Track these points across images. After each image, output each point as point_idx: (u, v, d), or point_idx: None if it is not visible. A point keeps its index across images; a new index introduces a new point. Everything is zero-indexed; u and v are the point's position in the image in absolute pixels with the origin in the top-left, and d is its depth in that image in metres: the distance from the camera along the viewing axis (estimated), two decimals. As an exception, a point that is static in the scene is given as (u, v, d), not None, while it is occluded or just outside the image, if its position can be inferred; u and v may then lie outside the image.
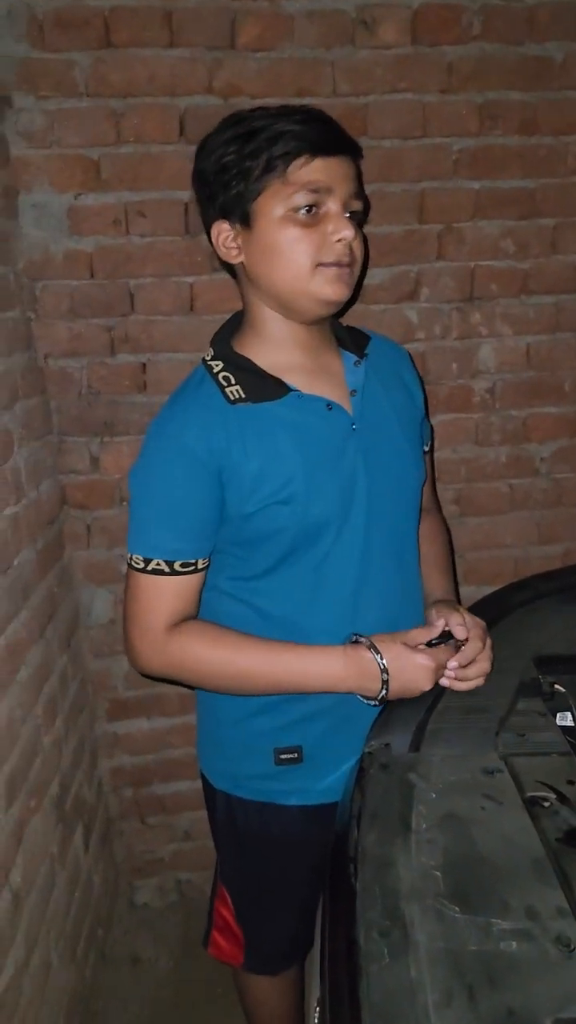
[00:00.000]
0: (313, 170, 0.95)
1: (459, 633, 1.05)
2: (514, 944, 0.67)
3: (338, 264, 0.98)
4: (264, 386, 1.02)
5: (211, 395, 1.02)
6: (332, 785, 1.08)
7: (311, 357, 1.07)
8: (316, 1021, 0.97)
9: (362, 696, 1.03)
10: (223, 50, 1.44)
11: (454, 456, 1.75)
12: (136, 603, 1.03)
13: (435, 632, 1.03)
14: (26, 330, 1.50)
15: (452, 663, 1.03)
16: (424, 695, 1.01)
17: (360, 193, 1.01)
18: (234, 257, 1.02)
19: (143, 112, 1.45)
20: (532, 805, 0.84)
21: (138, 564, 1.01)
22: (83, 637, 1.73)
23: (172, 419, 1.01)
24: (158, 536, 1.00)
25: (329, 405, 1.04)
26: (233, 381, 1.02)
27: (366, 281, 1.59)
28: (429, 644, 1.03)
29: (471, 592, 1.77)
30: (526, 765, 0.90)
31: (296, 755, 1.10)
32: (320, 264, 0.97)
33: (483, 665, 1.05)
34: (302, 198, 0.95)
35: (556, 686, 1.07)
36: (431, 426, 1.30)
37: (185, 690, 1.33)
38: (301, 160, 0.94)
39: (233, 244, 1.02)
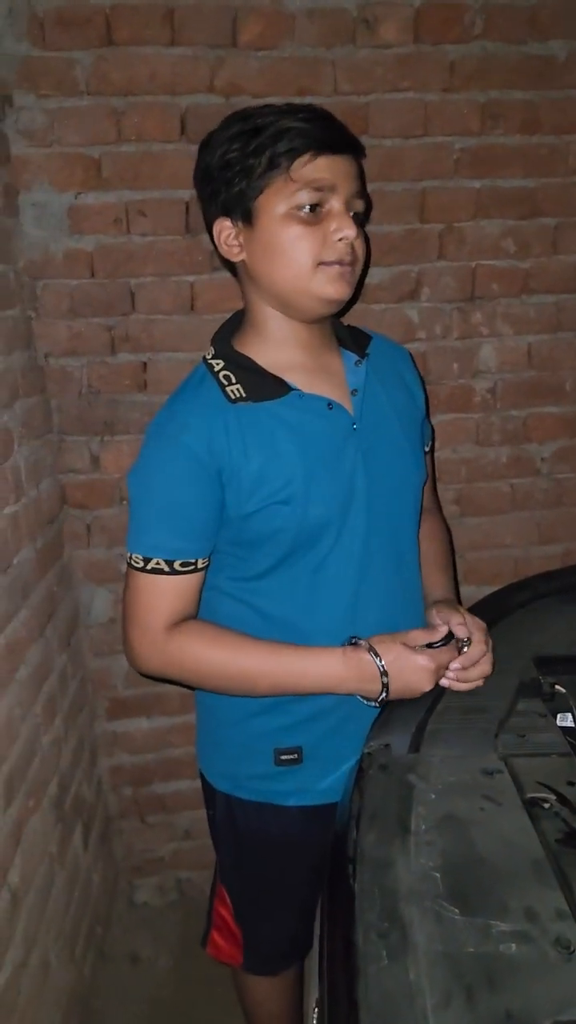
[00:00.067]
0: (317, 168, 0.94)
1: (460, 632, 1.04)
2: (513, 946, 0.67)
3: (340, 263, 0.97)
4: (265, 385, 1.02)
5: (212, 394, 1.02)
6: (332, 785, 1.08)
7: (312, 356, 1.07)
8: (315, 1022, 0.96)
9: (362, 697, 1.03)
10: (224, 49, 1.44)
11: (455, 456, 1.75)
12: (135, 602, 1.02)
13: (437, 636, 1.03)
14: (26, 329, 1.49)
15: (455, 664, 1.03)
16: (424, 696, 1.01)
17: (363, 192, 1.01)
18: (235, 255, 1.02)
19: (144, 111, 1.45)
20: (532, 806, 0.84)
21: (137, 563, 1.01)
22: (83, 636, 1.73)
23: (172, 418, 1.01)
24: (158, 535, 1.00)
25: (330, 404, 1.04)
26: (234, 380, 1.02)
27: (367, 280, 1.58)
28: (431, 646, 1.02)
29: (471, 592, 1.77)
30: (526, 766, 0.90)
31: (296, 756, 1.10)
32: (322, 263, 0.97)
33: (484, 667, 1.05)
34: (305, 196, 0.95)
35: (556, 687, 1.06)
36: (432, 426, 1.30)
37: (185, 689, 1.33)
38: (305, 158, 0.94)
39: (235, 242, 1.01)
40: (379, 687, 0.99)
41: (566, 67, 1.54)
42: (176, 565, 1.00)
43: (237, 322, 1.10)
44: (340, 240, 0.97)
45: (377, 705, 1.02)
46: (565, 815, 0.83)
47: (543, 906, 0.71)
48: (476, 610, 1.20)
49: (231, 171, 0.97)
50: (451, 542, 1.35)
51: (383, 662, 0.99)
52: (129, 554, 1.02)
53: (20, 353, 1.43)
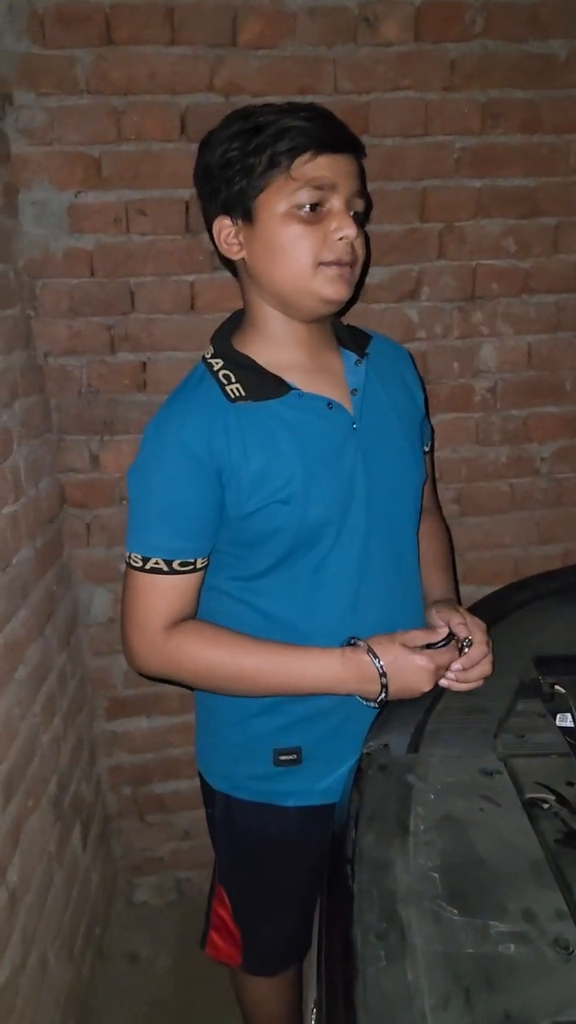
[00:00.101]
0: (317, 167, 0.94)
1: (461, 632, 1.04)
2: (512, 947, 0.67)
3: (339, 263, 0.97)
4: (264, 384, 1.02)
5: (211, 393, 1.01)
6: (331, 786, 1.08)
7: (311, 356, 1.07)
8: (313, 1023, 0.96)
9: (361, 698, 1.02)
10: (224, 48, 1.44)
11: (454, 455, 1.75)
12: (134, 602, 1.02)
13: (436, 637, 1.03)
14: (26, 328, 1.49)
15: (456, 665, 1.03)
16: (423, 696, 1.01)
17: (363, 192, 1.01)
18: (235, 253, 1.02)
19: (144, 110, 1.45)
20: (531, 807, 0.84)
21: (136, 563, 1.01)
22: (82, 635, 1.72)
23: (171, 417, 1.01)
24: (157, 535, 1.00)
25: (329, 404, 1.03)
26: (233, 379, 1.02)
27: (367, 280, 1.58)
28: (431, 647, 1.02)
29: (471, 592, 1.77)
30: (525, 766, 0.90)
31: (295, 756, 1.10)
32: (321, 263, 0.97)
33: (484, 668, 1.05)
34: (306, 195, 0.94)
35: (556, 687, 1.06)
36: (431, 426, 1.30)
37: (184, 689, 1.33)
38: (306, 156, 0.94)
39: (235, 240, 1.01)
40: (378, 688, 0.99)
41: (567, 66, 1.54)
42: (175, 565, 1.00)
43: (236, 321, 1.10)
44: (340, 239, 0.96)
45: (376, 706, 1.02)
46: (564, 815, 0.83)
47: (542, 907, 0.71)
48: (475, 610, 1.20)
49: (231, 170, 0.97)
50: (451, 542, 1.35)
51: (382, 663, 0.98)
52: (128, 553, 1.02)
53: (19, 352, 1.43)
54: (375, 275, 1.59)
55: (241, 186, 0.97)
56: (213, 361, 1.04)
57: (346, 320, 1.19)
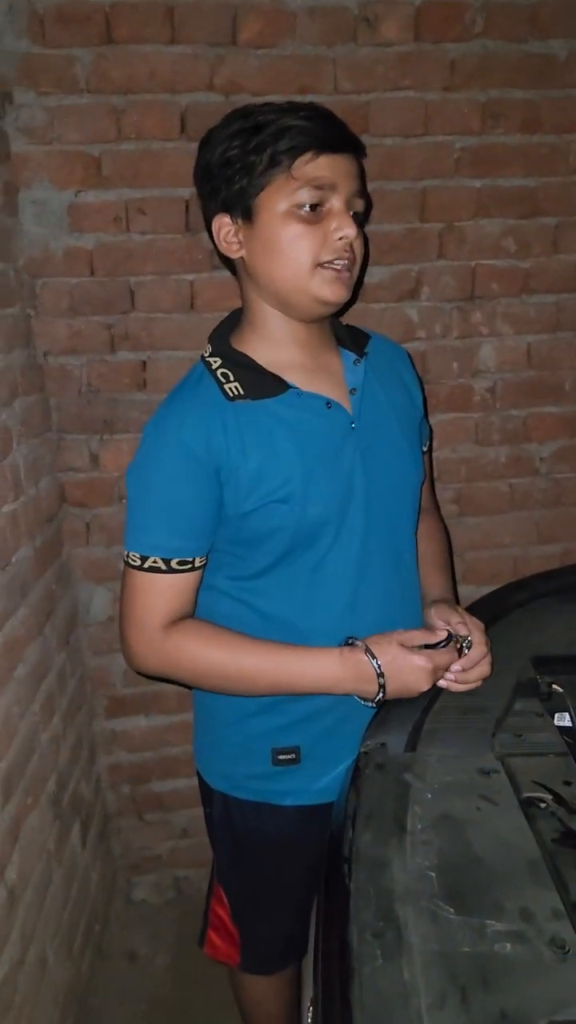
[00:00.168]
0: (318, 167, 0.94)
1: (461, 631, 1.04)
2: (508, 946, 0.67)
3: (339, 262, 0.97)
4: (263, 383, 1.02)
5: (210, 392, 1.01)
6: (329, 785, 1.08)
7: (310, 355, 1.07)
8: (310, 1022, 0.96)
9: (359, 698, 1.03)
10: (224, 47, 1.44)
11: (454, 455, 1.75)
12: (132, 601, 1.02)
13: (435, 638, 1.03)
14: (26, 327, 1.49)
15: (455, 666, 1.03)
16: (421, 695, 1.01)
17: (363, 192, 1.01)
18: (235, 252, 1.02)
19: (144, 109, 1.45)
20: (528, 806, 0.84)
21: (135, 561, 1.01)
22: (82, 634, 1.73)
23: (170, 416, 1.01)
24: (155, 534, 1.00)
25: (328, 403, 1.03)
26: (232, 378, 1.02)
27: (367, 280, 1.58)
28: (430, 648, 1.02)
29: (470, 592, 1.77)
30: (523, 766, 0.90)
31: (294, 756, 1.10)
32: (320, 263, 0.97)
33: (484, 669, 1.05)
34: (306, 194, 0.95)
35: (554, 686, 1.06)
36: (430, 426, 1.30)
37: (183, 688, 1.33)
38: (307, 156, 0.94)
39: (234, 239, 1.01)
40: (376, 688, 0.99)
41: (567, 66, 1.54)
42: (173, 564, 1.00)
43: (235, 320, 1.10)
44: (340, 239, 0.97)
45: (374, 705, 1.02)
46: (561, 815, 0.83)
47: (539, 906, 0.71)
48: (474, 609, 1.20)
49: (231, 168, 0.97)
50: (449, 542, 1.35)
51: (379, 663, 0.98)
52: (126, 552, 1.02)
53: (19, 351, 1.43)
54: (375, 275, 1.59)
55: (241, 185, 0.97)
56: (211, 360, 1.04)
57: (346, 320, 1.19)
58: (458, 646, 1.04)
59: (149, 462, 1.01)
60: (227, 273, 1.11)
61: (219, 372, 1.03)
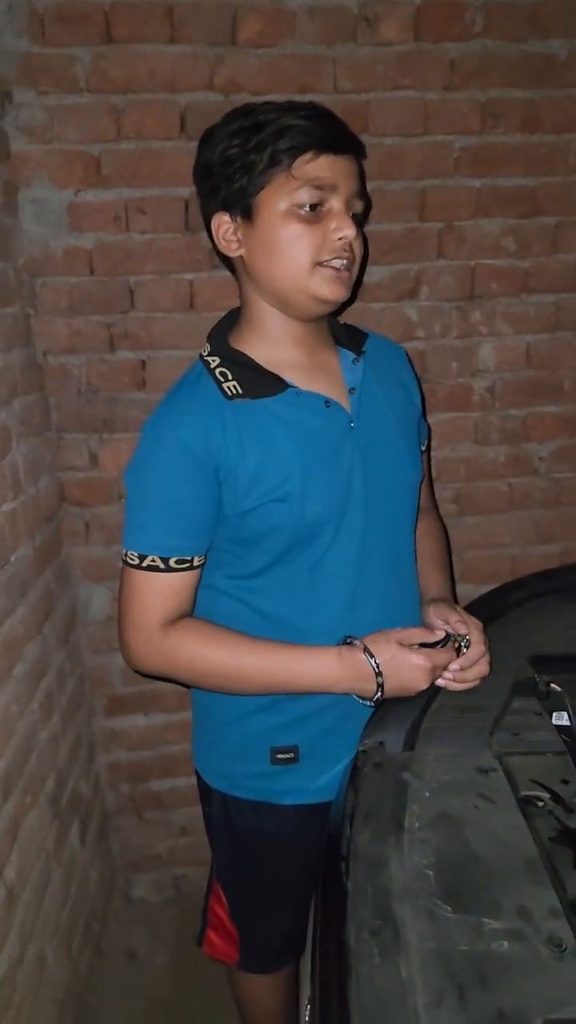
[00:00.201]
0: (319, 167, 0.94)
1: (460, 629, 1.04)
2: (505, 944, 0.67)
3: (337, 261, 0.97)
4: (262, 382, 1.02)
5: (208, 391, 1.01)
6: (327, 784, 1.08)
7: (308, 354, 1.07)
8: (307, 1020, 0.97)
9: (358, 696, 1.03)
10: (224, 46, 1.44)
11: (453, 455, 1.75)
12: (131, 600, 1.02)
13: (434, 638, 1.03)
14: (25, 326, 1.49)
15: (454, 666, 1.03)
16: (419, 694, 1.01)
17: (363, 193, 1.01)
18: (234, 250, 1.02)
19: (144, 108, 1.45)
20: (526, 804, 0.84)
21: (133, 560, 1.01)
22: (81, 633, 1.73)
23: (169, 415, 1.01)
24: (154, 533, 1.00)
25: (327, 402, 1.04)
26: (230, 377, 1.02)
27: (366, 279, 1.58)
28: (428, 647, 1.02)
29: (469, 591, 1.77)
30: (520, 764, 0.90)
31: (293, 755, 1.10)
32: (319, 263, 0.97)
33: (482, 668, 1.05)
34: (306, 194, 0.95)
35: (552, 685, 1.06)
36: (428, 425, 1.30)
37: (182, 687, 1.33)
38: (307, 156, 0.94)
39: (233, 237, 1.01)
40: (374, 687, 0.99)
41: (567, 65, 1.54)
42: (172, 562, 1.00)
43: (233, 319, 1.10)
44: (339, 239, 0.97)
45: (372, 704, 1.02)
46: (559, 813, 0.83)
47: (536, 904, 0.71)
48: (473, 608, 1.20)
49: (231, 167, 0.97)
50: (448, 541, 1.35)
51: (377, 662, 0.99)
52: (125, 551, 1.02)
53: (19, 351, 1.43)
54: (374, 274, 1.59)
55: (241, 183, 0.97)
56: (210, 359, 1.05)
57: (345, 319, 1.19)
58: (456, 645, 1.04)
59: (148, 461, 1.01)
60: (227, 272, 1.11)
61: (217, 371, 1.03)
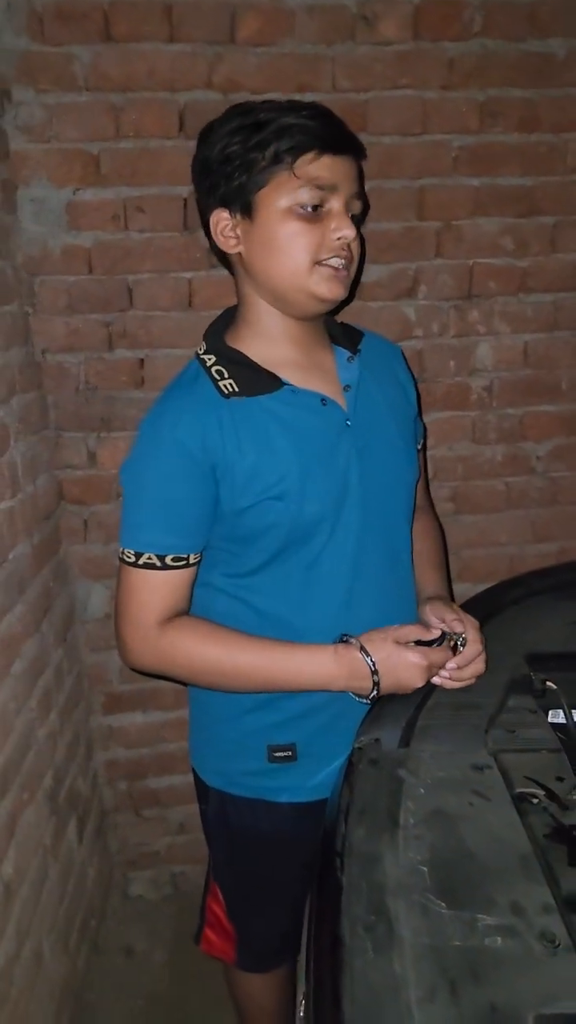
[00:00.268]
0: (320, 167, 0.95)
1: (456, 627, 1.05)
2: (499, 940, 0.68)
3: (336, 260, 0.98)
4: (258, 380, 1.02)
5: (205, 389, 1.02)
6: (324, 782, 1.09)
7: (305, 352, 1.07)
8: (301, 1015, 0.97)
9: (354, 694, 1.03)
10: (223, 45, 1.44)
11: (450, 454, 1.75)
12: (127, 598, 1.03)
13: (430, 636, 1.03)
14: (24, 325, 1.50)
15: (450, 664, 1.03)
16: (415, 691, 1.01)
17: (361, 194, 1.01)
18: (232, 247, 1.02)
19: (143, 107, 1.45)
20: (520, 801, 0.84)
21: (129, 558, 1.01)
22: (79, 631, 1.73)
23: (165, 413, 1.01)
24: (150, 531, 1.00)
25: (323, 400, 1.04)
26: (226, 375, 1.02)
27: (364, 278, 1.58)
28: (424, 644, 1.03)
29: (465, 589, 1.77)
30: (516, 762, 0.90)
31: (290, 753, 1.11)
32: (318, 262, 0.98)
33: (478, 666, 1.05)
34: (307, 194, 0.95)
35: (548, 683, 1.07)
36: (424, 424, 1.30)
37: (179, 685, 1.34)
38: (309, 155, 0.94)
39: (232, 233, 1.01)
40: (370, 685, 0.99)
41: (565, 65, 1.54)
42: (168, 560, 1.01)
43: (229, 317, 1.11)
44: (338, 239, 0.97)
45: (369, 702, 1.02)
46: (553, 810, 0.83)
47: (529, 900, 0.71)
48: (469, 607, 1.20)
49: (231, 165, 0.97)
50: (444, 539, 1.35)
51: (374, 660, 0.99)
52: (121, 549, 1.03)
53: (17, 349, 1.44)
54: (372, 273, 1.60)
55: (241, 181, 0.97)
56: (206, 357, 1.05)
57: (343, 318, 1.19)
58: (453, 643, 1.04)
59: (144, 459, 1.01)
60: (225, 271, 1.12)
61: (214, 369, 1.03)
